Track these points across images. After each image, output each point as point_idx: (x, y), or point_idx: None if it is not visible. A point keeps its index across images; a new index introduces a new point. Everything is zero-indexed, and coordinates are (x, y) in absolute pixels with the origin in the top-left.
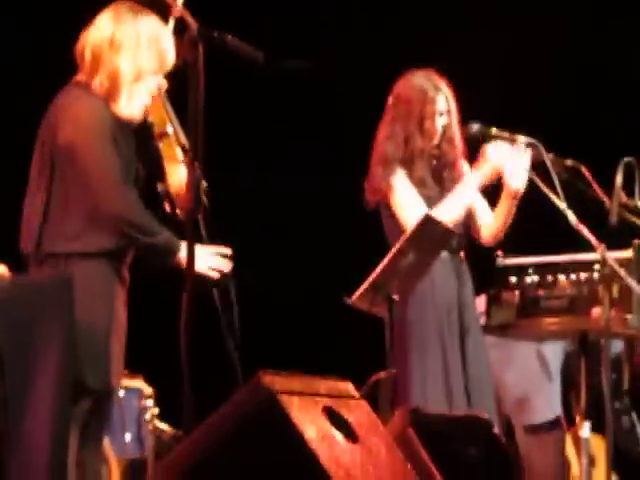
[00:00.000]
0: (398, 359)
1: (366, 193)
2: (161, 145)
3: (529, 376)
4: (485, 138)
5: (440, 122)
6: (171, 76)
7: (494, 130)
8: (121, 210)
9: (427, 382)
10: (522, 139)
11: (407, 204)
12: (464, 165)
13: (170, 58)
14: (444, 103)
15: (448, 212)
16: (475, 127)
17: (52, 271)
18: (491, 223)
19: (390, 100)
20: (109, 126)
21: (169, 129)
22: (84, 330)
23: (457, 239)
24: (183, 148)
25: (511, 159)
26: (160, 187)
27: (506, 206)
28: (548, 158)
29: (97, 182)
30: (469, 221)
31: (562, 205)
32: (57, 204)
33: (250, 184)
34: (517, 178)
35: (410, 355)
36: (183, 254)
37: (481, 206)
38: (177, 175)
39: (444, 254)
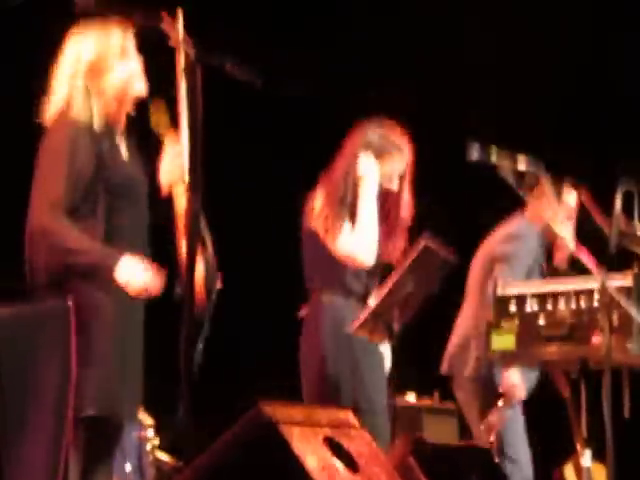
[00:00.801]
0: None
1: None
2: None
3: None
4: (486, 161)
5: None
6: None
7: (494, 155)
8: (45, 225)
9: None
10: (523, 160)
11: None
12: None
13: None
14: (402, 166)
15: (367, 236)
16: (475, 153)
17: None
18: None
19: (347, 149)
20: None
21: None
22: (86, 353)
23: (368, 286)
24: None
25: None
26: (178, 290)
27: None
28: (548, 181)
29: (35, 197)
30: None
31: (562, 231)
32: None
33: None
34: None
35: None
36: (122, 269)
37: None
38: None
39: (353, 301)
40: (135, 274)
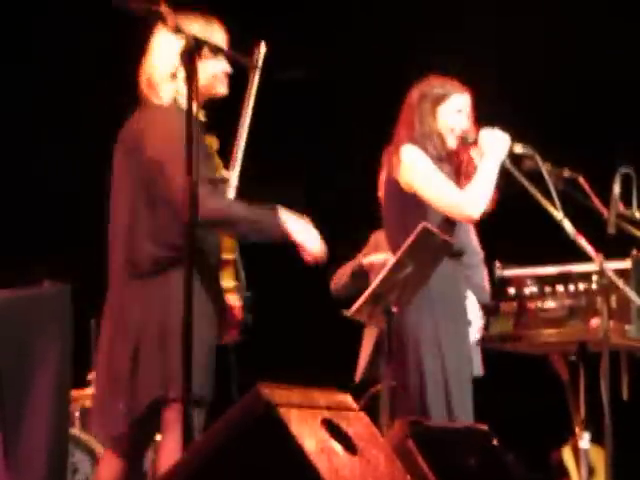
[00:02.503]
0: (397, 371)
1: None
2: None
3: None
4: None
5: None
6: None
7: None
8: (215, 208)
9: (427, 393)
10: (519, 148)
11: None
12: None
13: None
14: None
15: (480, 192)
16: (471, 137)
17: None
18: None
19: (407, 106)
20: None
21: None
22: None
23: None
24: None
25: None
26: None
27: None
28: (545, 168)
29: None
30: None
31: (559, 216)
32: (145, 217)
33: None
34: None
35: (408, 366)
36: (288, 224)
37: None
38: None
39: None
40: (307, 229)
